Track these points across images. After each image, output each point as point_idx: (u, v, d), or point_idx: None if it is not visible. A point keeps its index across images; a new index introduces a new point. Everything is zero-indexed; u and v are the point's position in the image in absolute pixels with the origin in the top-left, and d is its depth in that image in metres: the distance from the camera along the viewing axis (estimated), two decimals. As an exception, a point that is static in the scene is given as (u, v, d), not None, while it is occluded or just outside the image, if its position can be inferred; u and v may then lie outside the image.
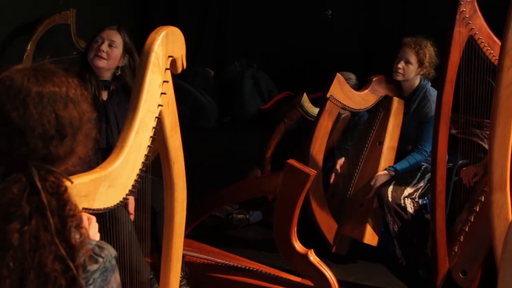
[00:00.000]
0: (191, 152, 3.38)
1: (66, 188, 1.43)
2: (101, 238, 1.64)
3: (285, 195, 3.14)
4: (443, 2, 3.67)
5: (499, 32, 2.75)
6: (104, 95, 3.32)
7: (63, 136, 1.44)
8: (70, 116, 1.45)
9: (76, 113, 1.47)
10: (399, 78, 4.08)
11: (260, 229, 4.54)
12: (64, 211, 1.40)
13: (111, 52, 3.29)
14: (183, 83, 6.60)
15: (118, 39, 3.32)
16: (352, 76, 4.44)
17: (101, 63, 3.28)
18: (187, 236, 3.59)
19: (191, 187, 3.37)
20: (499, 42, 2.96)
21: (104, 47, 3.28)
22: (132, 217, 3.15)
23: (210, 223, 4.55)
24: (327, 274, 3.17)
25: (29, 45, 4.99)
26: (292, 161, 3.11)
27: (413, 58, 4.01)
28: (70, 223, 1.40)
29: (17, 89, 1.41)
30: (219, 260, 3.53)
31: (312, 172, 3.06)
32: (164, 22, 2.40)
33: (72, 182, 1.46)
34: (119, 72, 3.34)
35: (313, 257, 3.18)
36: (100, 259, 1.45)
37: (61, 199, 1.40)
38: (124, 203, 2.14)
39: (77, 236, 1.41)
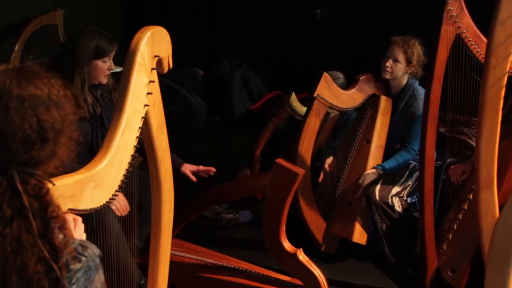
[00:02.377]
0: (181, 152, 3.38)
1: (48, 190, 1.42)
2: (90, 240, 1.63)
3: (273, 194, 3.13)
4: (431, 1, 3.68)
5: (486, 31, 2.76)
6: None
7: (45, 140, 1.43)
8: (52, 119, 1.44)
9: (58, 116, 1.45)
10: (387, 76, 4.09)
11: (250, 229, 4.54)
12: (46, 213, 1.39)
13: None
14: (172, 83, 6.60)
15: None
16: (341, 75, 4.45)
17: (107, 78, 3.31)
18: (176, 236, 3.59)
19: (180, 187, 3.37)
20: (486, 41, 2.97)
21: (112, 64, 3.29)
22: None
23: (200, 223, 4.55)
24: (316, 273, 3.17)
25: (16, 46, 4.98)
26: (280, 161, 3.11)
27: (401, 57, 4.02)
28: (53, 225, 1.39)
29: None
30: (208, 260, 3.52)
31: (301, 171, 3.06)
32: (153, 22, 2.39)
33: (54, 184, 1.46)
34: None
35: (302, 256, 3.17)
36: (83, 258, 1.44)
37: (43, 201, 1.40)
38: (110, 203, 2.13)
39: (61, 237, 1.41)
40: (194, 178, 3.50)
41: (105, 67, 3.24)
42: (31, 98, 1.41)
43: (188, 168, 3.49)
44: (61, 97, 1.48)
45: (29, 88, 1.42)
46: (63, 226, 1.42)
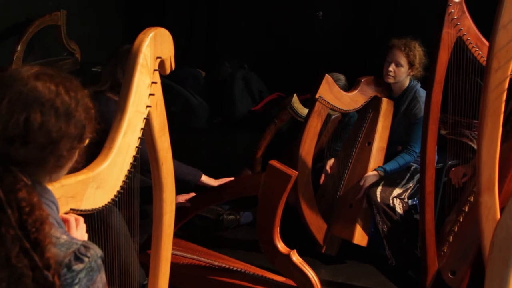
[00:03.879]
0: (182, 153, 3.38)
1: (21, 187, 1.40)
2: (94, 240, 1.63)
3: (267, 196, 3.13)
4: (432, 2, 3.68)
5: (487, 34, 2.76)
6: None
7: (26, 141, 1.41)
8: (45, 124, 1.42)
9: (55, 124, 1.44)
10: (390, 80, 4.07)
11: (251, 230, 4.53)
12: (21, 208, 1.38)
13: None
14: (174, 84, 6.59)
15: None
16: (342, 77, 4.44)
17: None
18: (174, 235, 3.58)
19: (182, 188, 3.36)
20: (487, 43, 2.98)
21: None
22: None
23: (201, 224, 4.56)
24: (309, 274, 3.16)
25: (19, 46, 4.98)
26: (274, 162, 3.11)
27: (403, 60, 4.00)
28: (29, 219, 1.38)
29: (8, 81, 1.41)
30: (204, 260, 3.52)
31: (294, 173, 3.05)
32: (153, 23, 2.40)
33: (29, 183, 1.44)
34: None
35: (295, 257, 3.17)
36: (86, 259, 1.44)
37: (16, 197, 1.38)
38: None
39: (42, 230, 1.39)
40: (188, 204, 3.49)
41: None
42: (29, 94, 1.41)
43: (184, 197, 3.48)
44: (72, 110, 1.47)
45: (34, 85, 1.42)
46: (41, 221, 1.40)
